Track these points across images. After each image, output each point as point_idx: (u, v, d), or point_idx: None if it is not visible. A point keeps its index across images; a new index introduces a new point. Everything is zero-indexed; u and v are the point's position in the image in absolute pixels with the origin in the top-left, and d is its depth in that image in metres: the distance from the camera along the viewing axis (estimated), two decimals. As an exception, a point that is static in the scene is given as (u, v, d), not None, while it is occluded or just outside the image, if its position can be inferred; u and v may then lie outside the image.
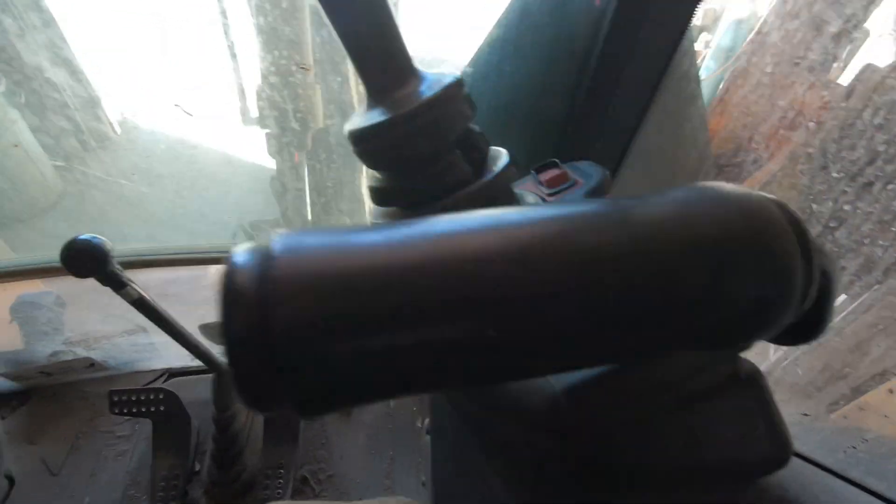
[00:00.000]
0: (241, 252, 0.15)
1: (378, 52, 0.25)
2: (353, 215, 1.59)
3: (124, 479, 0.91)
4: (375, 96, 0.26)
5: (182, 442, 0.91)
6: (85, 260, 0.58)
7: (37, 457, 0.94)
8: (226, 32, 1.47)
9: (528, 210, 0.17)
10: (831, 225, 0.82)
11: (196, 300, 1.04)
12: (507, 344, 0.15)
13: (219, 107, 2.88)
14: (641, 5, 0.41)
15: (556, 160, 0.37)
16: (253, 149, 2.66)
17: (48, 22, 2.40)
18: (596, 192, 0.36)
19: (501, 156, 0.28)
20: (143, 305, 0.68)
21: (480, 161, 0.27)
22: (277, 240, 0.16)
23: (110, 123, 2.80)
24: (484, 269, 0.15)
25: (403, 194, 0.27)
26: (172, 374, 1.07)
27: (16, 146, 2.18)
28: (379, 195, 0.28)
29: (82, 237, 0.57)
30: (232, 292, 0.14)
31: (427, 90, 0.25)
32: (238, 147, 2.65)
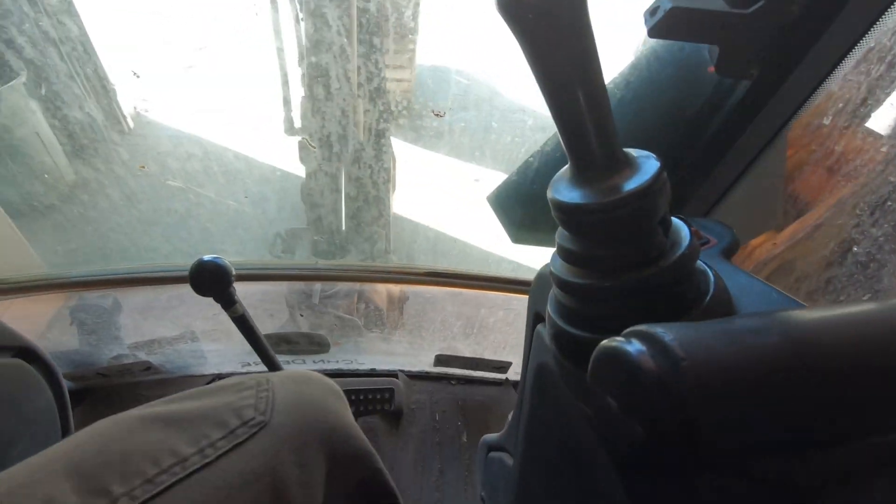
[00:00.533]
0: (635, 343, 0.20)
1: (592, 134, 0.26)
2: (381, 227, 1.65)
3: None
4: (584, 173, 0.28)
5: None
6: (210, 282, 0.61)
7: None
8: (277, 35, 1.50)
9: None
10: None
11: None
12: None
13: (255, 112, 2.90)
14: (766, 95, 0.48)
15: (684, 217, 0.42)
16: (275, 154, 2.68)
17: (69, 12, 2.39)
18: (730, 251, 0.42)
19: (681, 226, 0.31)
20: (243, 322, 0.72)
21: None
22: (671, 336, 0.20)
23: (123, 117, 2.78)
24: None
25: (602, 262, 0.30)
26: (222, 379, 1.10)
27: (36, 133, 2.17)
28: (574, 258, 0.30)
29: (208, 259, 0.61)
30: (647, 390, 0.19)
31: (639, 177, 0.27)
32: (260, 149, 2.66)
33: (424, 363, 1.12)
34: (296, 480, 0.40)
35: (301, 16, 1.36)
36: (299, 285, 1.11)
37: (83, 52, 2.35)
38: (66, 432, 0.82)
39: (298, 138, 1.67)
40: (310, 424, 0.44)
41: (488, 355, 1.06)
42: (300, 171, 2.73)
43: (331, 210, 1.55)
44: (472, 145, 3.20)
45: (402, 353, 1.13)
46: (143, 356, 1.01)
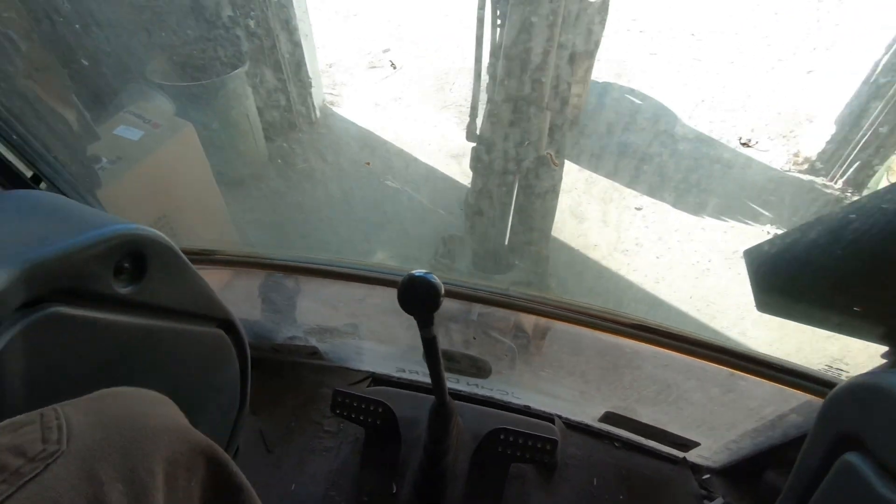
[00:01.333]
0: None
1: None
2: (542, 247, 1.54)
3: (327, 478, 0.94)
4: None
5: (390, 461, 0.91)
6: (419, 299, 0.57)
7: (256, 428, 1.01)
8: (478, 44, 1.48)
9: None
10: None
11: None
12: None
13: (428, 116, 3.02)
14: None
15: None
16: (437, 157, 2.76)
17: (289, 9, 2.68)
18: None
19: None
20: (431, 345, 0.66)
21: None
22: None
23: (313, 108, 3.08)
24: None
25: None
26: (376, 379, 1.09)
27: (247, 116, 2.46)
28: None
29: (419, 274, 0.57)
30: None
31: None
32: (430, 153, 2.76)
33: (588, 415, 0.98)
34: (123, 495, 0.34)
35: (499, 21, 1.31)
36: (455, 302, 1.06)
37: (293, 46, 2.62)
38: (243, 404, 0.85)
39: (473, 144, 1.64)
40: (130, 432, 0.37)
41: (673, 428, 0.89)
42: (457, 175, 2.73)
43: (495, 222, 1.49)
44: (636, 170, 2.93)
45: (562, 396, 1.01)
46: (313, 342, 1.03)
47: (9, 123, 0.61)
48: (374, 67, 3.45)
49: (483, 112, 1.45)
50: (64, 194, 0.73)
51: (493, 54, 1.47)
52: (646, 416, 0.90)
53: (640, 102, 3.26)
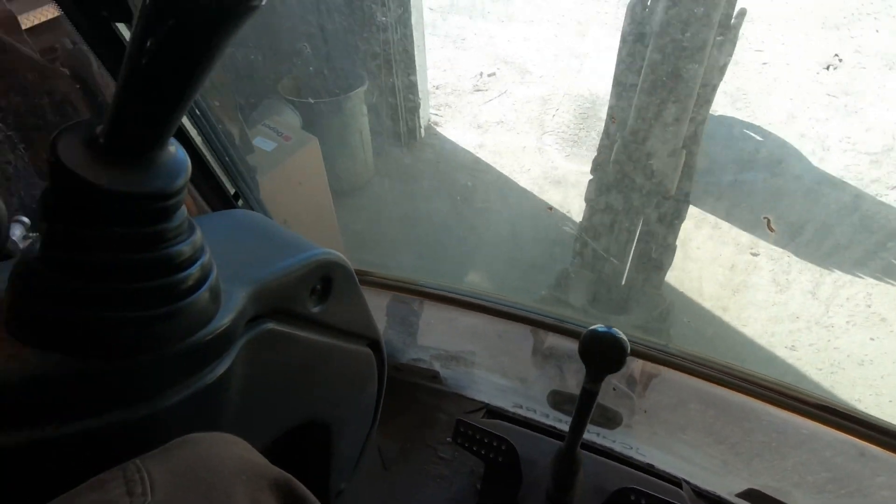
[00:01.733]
0: None
1: None
2: (659, 290, 1.46)
3: (443, 506, 0.93)
4: None
5: (509, 501, 0.89)
6: (601, 359, 0.56)
7: (374, 443, 1.03)
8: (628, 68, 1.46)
9: None
10: None
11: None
12: None
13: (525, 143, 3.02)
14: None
15: None
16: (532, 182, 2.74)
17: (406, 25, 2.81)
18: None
19: None
20: (590, 397, 0.64)
21: None
22: None
23: (419, 127, 3.19)
24: None
25: None
26: (490, 411, 1.07)
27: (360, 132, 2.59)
28: None
29: (603, 330, 0.55)
30: None
31: None
32: (530, 178, 2.75)
33: (724, 486, 0.90)
34: None
35: (651, 48, 1.27)
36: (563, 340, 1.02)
37: (407, 69, 2.73)
38: (374, 423, 0.87)
39: (591, 177, 1.60)
40: (208, 476, 0.36)
41: (836, 521, 0.79)
42: (556, 202, 2.67)
43: (613, 259, 1.43)
44: (754, 213, 2.71)
45: (696, 461, 0.93)
46: (437, 366, 1.04)
47: (222, 143, 0.68)
48: (479, 91, 3.52)
49: (614, 145, 1.41)
50: (251, 209, 0.80)
51: (619, 84, 1.43)
52: (803, 503, 0.80)
53: (760, 139, 3.04)
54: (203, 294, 0.39)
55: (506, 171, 2.88)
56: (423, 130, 3.30)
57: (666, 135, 1.21)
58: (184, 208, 0.37)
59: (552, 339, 1.01)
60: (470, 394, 1.09)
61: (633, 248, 1.42)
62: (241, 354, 0.47)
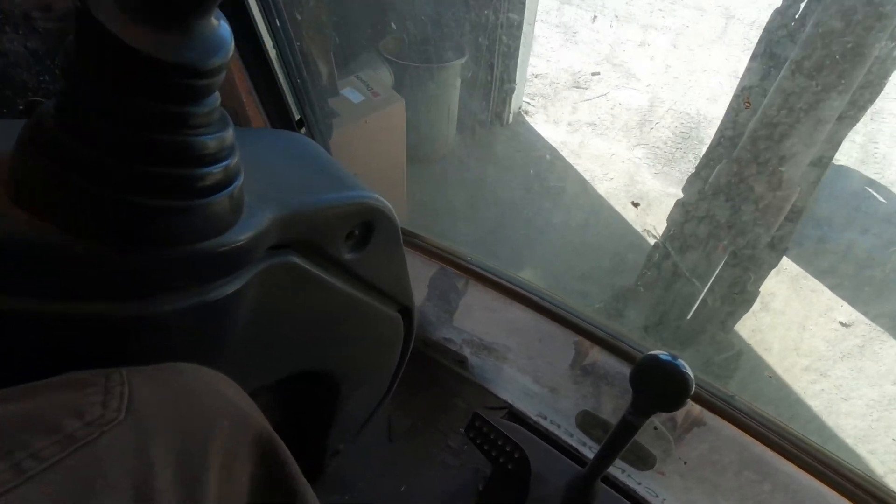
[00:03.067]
0: None
1: None
2: (728, 334, 1.30)
3: (439, 496, 0.88)
4: None
5: (509, 512, 0.82)
6: (656, 391, 0.47)
7: (385, 413, 0.99)
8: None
9: None
10: None
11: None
12: None
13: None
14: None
15: None
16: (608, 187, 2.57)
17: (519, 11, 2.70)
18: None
19: None
20: (630, 430, 0.55)
21: None
22: None
23: (508, 112, 3.09)
24: None
25: None
26: (512, 413, 1.00)
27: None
28: None
29: (666, 358, 0.46)
30: None
31: None
32: (610, 188, 2.59)
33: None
34: (171, 483, 0.30)
35: (787, 72, 1.10)
36: (615, 360, 0.91)
37: (510, 50, 2.63)
38: (388, 392, 0.83)
39: (680, 196, 1.45)
40: (190, 411, 0.33)
41: None
42: (631, 218, 2.50)
43: (684, 288, 1.29)
44: (854, 279, 2.39)
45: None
46: (466, 351, 0.99)
47: (295, 67, 0.65)
48: (578, 87, 3.35)
49: (715, 169, 1.25)
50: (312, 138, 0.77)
51: (769, 56, 1.23)
52: None
53: (883, 200, 2.67)
54: (221, 199, 0.34)
55: (587, 175, 2.73)
56: (511, 116, 3.20)
57: (815, 135, 0.96)
58: (217, 98, 0.32)
59: (597, 355, 0.92)
60: (494, 389, 1.02)
61: (709, 283, 1.27)
62: (257, 280, 0.43)
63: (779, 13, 1.02)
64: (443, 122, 2.68)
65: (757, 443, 0.70)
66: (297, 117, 0.69)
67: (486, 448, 0.85)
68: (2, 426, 0.27)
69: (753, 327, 1.94)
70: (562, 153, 2.87)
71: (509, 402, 1.01)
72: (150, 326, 0.35)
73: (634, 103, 3.12)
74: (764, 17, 1.20)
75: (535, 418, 0.98)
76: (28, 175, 0.29)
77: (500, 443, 0.83)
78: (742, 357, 1.29)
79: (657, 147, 2.88)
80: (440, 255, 1.00)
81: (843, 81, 0.86)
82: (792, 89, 0.92)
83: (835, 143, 1.07)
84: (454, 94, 2.60)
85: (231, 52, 0.31)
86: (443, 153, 2.80)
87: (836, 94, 0.90)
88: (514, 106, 3.07)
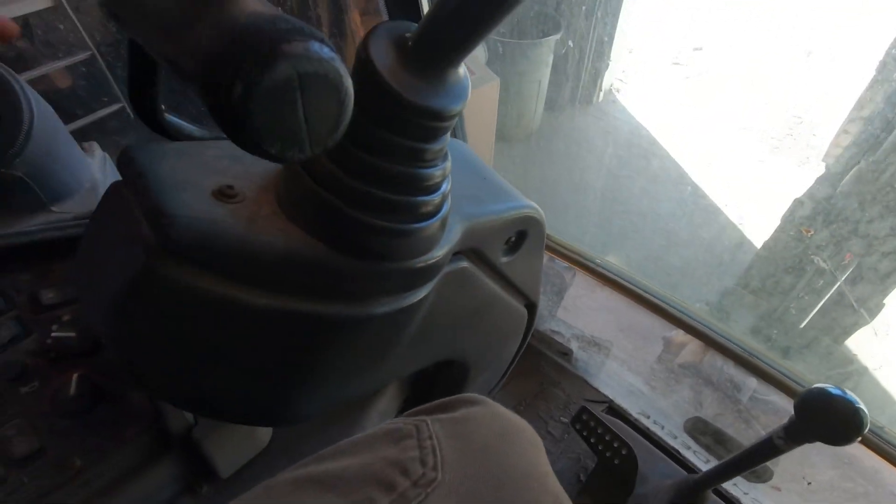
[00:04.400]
0: None
1: None
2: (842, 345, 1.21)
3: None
4: None
5: (612, 506, 0.85)
6: (824, 427, 0.47)
7: (493, 396, 1.04)
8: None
9: None
10: None
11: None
12: None
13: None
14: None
15: None
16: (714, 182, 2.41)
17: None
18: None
19: None
20: (772, 451, 0.55)
21: None
22: None
23: (600, 89, 2.97)
24: None
25: None
26: (612, 409, 1.01)
27: (539, 82, 2.48)
28: None
29: (836, 392, 0.46)
30: None
31: None
32: (709, 176, 2.44)
33: None
34: None
35: None
36: (721, 362, 0.89)
37: (606, 24, 2.51)
38: (502, 379, 0.87)
39: (804, 192, 1.34)
40: (499, 472, 0.35)
41: None
42: (732, 213, 2.36)
43: (799, 296, 1.22)
44: None
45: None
46: (573, 345, 1.00)
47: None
48: (678, 64, 3.13)
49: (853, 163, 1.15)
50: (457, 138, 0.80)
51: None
52: None
53: None
54: (436, 222, 0.38)
55: (683, 163, 2.59)
56: (601, 94, 3.07)
57: None
58: (448, 135, 0.35)
59: (702, 355, 0.90)
60: (595, 383, 1.04)
61: (830, 293, 1.19)
62: (438, 284, 0.46)
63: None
64: (531, 100, 2.63)
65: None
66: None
67: (592, 441, 0.87)
68: (350, 479, 0.33)
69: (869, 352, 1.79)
70: (654, 135, 2.73)
71: (610, 397, 1.02)
72: (365, 325, 0.40)
73: (740, 84, 2.88)
74: None
75: (635, 416, 0.99)
76: (303, 199, 0.33)
77: (607, 438, 0.85)
78: (865, 376, 1.21)
79: (765, 131, 2.67)
80: (548, 245, 1.01)
81: None
82: None
83: None
84: (545, 71, 2.53)
85: (469, 95, 0.33)
86: (529, 132, 2.76)
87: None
88: (605, 83, 2.94)
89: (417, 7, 0.72)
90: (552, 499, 0.37)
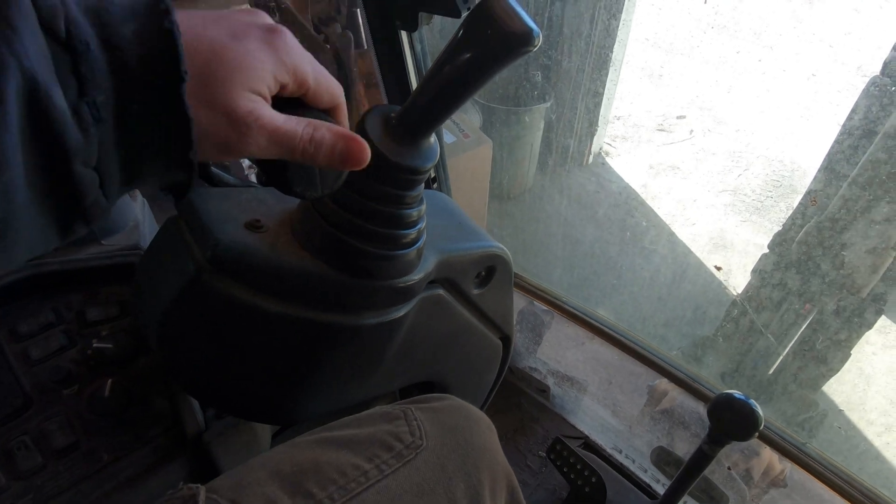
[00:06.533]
0: None
1: None
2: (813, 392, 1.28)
3: (517, 510, 0.98)
4: None
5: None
6: (729, 426, 0.56)
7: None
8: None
9: None
10: None
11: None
12: None
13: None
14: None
15: None
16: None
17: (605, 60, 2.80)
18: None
19: None
20: (703, 461, 0.64)
21: None
22: None
23: (589, 153, 3.18)
24: None
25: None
26: (588, 444, 1.08)
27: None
28: None
29: (739, 397, 0.56)
30: None
31: None
32: (690, 234, 2.58)
33: None
34: (463, 493, 0.45)
35: (876, 146, 1.12)
36: (687, 400, 0.96)
37: (595, 94, 2.74)
38: (483, 405, 0.95)
39: (766, 250, 1.46)
40: (465, 443, 0.48)
41: None
42: (713, 268, 2.46)
43: (767, 343, 1.30)
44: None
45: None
46: (549, 381, 1.09)
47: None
48: (662, 130, 3.37)
49: (805, 224, 1.28)
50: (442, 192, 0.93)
51: (829, 170, 1.28)
52: None
53: None
54: (413, 251, 0.49)
55: (667, 220, 2.73)
56: (591, 157, 3.28)
57: (870, 231, 1.09)
58: (423, 185, 0.48)
59: (676, 395, 0.98)
60: (572, 420, 1.11)
61: (794, 340, 1.28)
62: (416, 306, 0.57)
63: (844, 144, 1.15)
64: (524, 162, 2.82)
65: (838, 496, 0.74)
66: (432, 175, 0.85)
67: (565, 470, 0.94)
68: (361, 441, 0.46)
69: (849, 394, 1.85)
70: (642, 195, 2.90)
71: (586, 433, 1.09)
72: (357, 334, 0.51)
73: (722, 148, 3.08)
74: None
75: (609, 450, 1.05)
76: (312, 230, 0.45)
77: (578, 467, 0.92)
78: (827, 418, 1.27)
79: (744, 194, 2.83)
80: (528, 289, 1.12)
81: (889, 196, 0.99)
82: (849, 196, 1.06)
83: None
84: (537, 135, 2.74)
85: (439, 156, 0.46)
86: (521, 191, 2.93)
87: (886, 204, 1.04)
88: (594, 147, 3.15)
89: (407, 85, 0.87)
90: (501, 468, 0.50)
